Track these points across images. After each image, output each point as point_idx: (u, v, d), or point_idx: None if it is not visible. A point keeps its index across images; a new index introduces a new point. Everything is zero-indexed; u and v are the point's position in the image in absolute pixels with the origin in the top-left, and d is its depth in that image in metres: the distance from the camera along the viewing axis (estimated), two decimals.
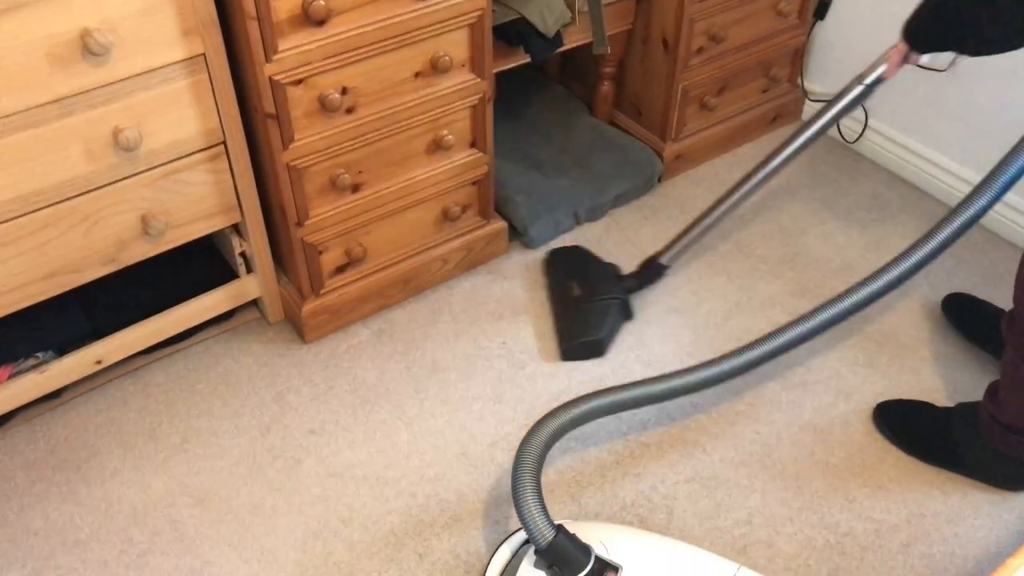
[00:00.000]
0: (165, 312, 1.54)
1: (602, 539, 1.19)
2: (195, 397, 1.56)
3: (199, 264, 1.64)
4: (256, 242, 1.56)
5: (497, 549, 1.25)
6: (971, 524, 1.38)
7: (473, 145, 1.64)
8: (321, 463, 1.46)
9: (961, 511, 1.40)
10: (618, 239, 1.87)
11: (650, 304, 1.73)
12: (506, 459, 1.47)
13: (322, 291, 1.62)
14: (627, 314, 1.69)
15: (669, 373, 1.35)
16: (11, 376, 1.44)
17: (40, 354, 1.48)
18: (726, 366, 1.34)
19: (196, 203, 1.44)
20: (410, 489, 1.43)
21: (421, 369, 1.61)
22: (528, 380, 1.59)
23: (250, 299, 1.65)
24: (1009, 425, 1.34)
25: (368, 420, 1.53)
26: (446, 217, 1.70)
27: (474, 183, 1.69)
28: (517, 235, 1.84)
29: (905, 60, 1.36)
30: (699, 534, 1.36)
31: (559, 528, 1.17)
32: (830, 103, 1.48)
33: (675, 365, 1.61)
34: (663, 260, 1.68)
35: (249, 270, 1.61)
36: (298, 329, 1.66)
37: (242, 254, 1.58)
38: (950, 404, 1.50)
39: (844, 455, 1.47)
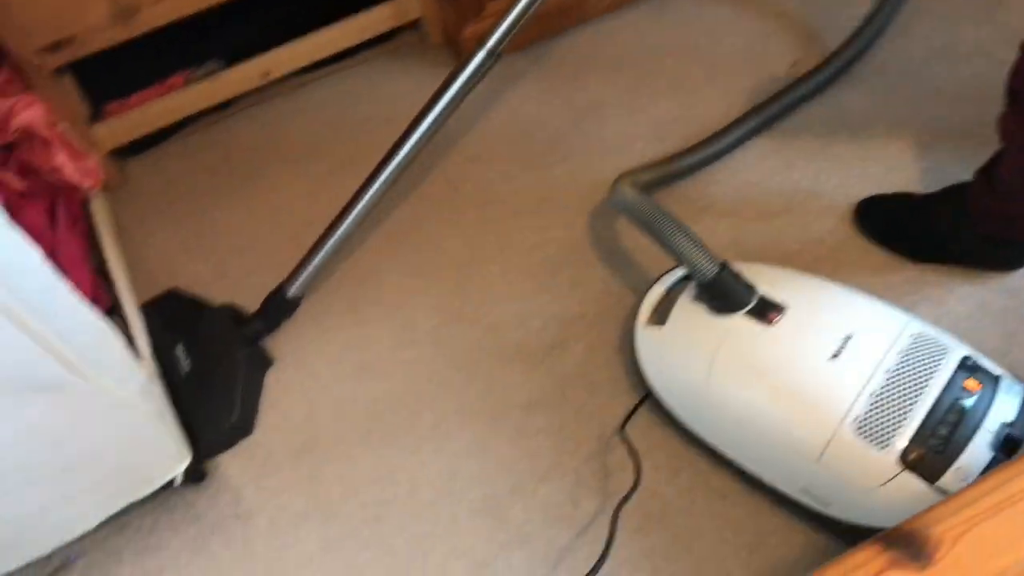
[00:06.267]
0: (330, 26, 1.52)
1: (768, 280, 1.16)
2: (357, 117, 1.57)
3: None
4: None
5: (655, 282, 1.25)
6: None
7: None
8: (478, 191, 1.47)
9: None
10: None
11: None
12: (663, 194, 1.43)
13: (482, 14, 1.55)
14: (264, 364, 1.31)
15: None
16: (186, 82, 1.47)
17: (212, 63, 1.50)
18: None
19: None
20: (566, 220, 1.42)
21: (581, 105, 1.55)
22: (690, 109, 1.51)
23: (411, 19, 1.60)
24: (1006, 211, 1.19)
25: (524, 154, 1.50)
26: None
27: None
28: None
29: None
30: (870, 286, 1.31)
31: (724, 264, 1.14)
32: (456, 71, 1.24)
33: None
34: (290, 293, 1.27)
35: None
36: (458, 54, 1.61)
37: None
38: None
39: None
